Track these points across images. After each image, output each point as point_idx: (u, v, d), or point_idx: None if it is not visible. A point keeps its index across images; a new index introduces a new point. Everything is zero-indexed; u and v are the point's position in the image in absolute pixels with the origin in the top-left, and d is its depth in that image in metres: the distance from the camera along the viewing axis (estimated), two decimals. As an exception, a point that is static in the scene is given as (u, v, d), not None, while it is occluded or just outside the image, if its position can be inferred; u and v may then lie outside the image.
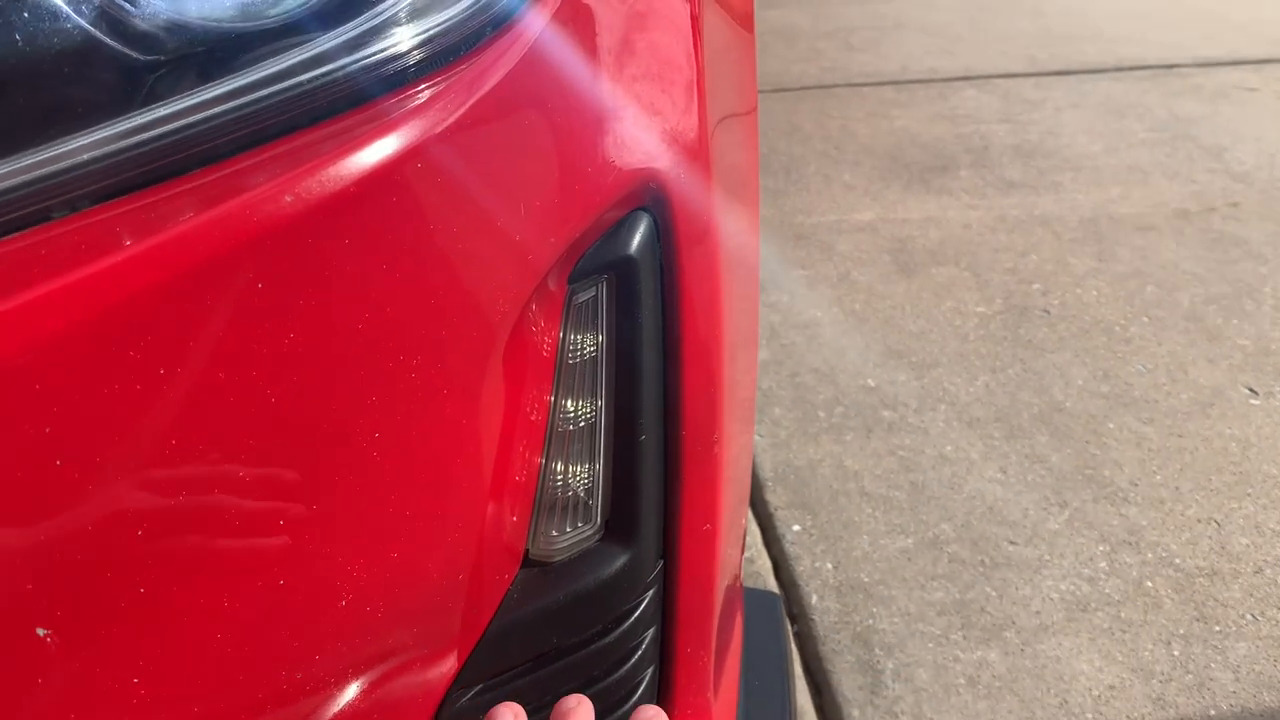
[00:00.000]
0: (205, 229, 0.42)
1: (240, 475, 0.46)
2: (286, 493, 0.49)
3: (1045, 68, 3.51)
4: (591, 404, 0.62)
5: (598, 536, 0.65)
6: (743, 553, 1.04)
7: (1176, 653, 1.36)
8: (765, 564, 1.53)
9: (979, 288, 2.18)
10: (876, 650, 1.37)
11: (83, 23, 0.43)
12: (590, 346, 0.61)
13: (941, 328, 2.05)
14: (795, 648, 1.40)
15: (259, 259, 0.44)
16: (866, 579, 1.48)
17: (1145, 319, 2.06)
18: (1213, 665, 1.34)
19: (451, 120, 0.49)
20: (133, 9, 0.44)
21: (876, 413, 1.81)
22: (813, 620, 1.41)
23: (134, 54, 0.45)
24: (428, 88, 0.49)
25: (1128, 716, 1.28)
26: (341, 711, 0.55)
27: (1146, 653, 1.36)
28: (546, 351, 0.60)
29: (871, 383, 1.89)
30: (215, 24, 0.46)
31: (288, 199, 0.44)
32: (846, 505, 1.61)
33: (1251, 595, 1.44)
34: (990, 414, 1.80)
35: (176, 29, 0.45)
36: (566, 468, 0.63)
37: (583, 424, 0.62)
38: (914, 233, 2.42)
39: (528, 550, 0.63)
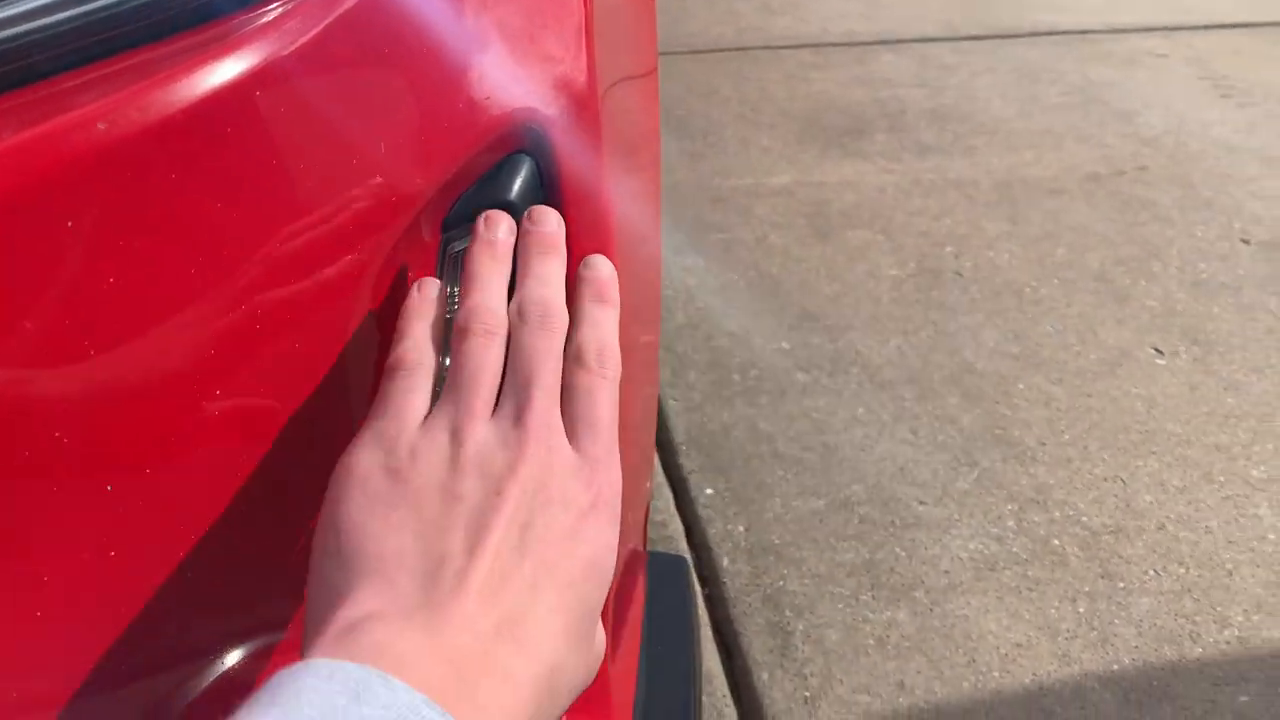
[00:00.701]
0: (20, 152, 0.38)
1: (43, 435, 0.42)
2: (102, 456, 0.44)
3: (962, 32, 3.52)
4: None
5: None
6: (647, 516, 1.01)
7: (1082, 610, 1.38)
8: (678, 528, 1.52)
9: (893, 251, 2.18)
10: (787, 612, 1.36)
11: None
12: (467, 300, 0.57)
13: (856, 291, 2.05)
14: (706, 612, 1.38)
15: (78, 185, 0.39)
16: (778, 541, 1.47)
17: (1055, 281, 2.08)
18: (1116, 621, 1.36)
19: (302, 43, 0.44)
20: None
21: (791, 376, 1.80)
22: (724, 583, 1.40)
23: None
24: (278, 6, 0.44)
25: (1033, 673, 1.29)
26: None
27: (1053, 610, 1.38)
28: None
29: (786, 346, 1.88)
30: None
31: (116, 121, 0.40)
32: (759, 468, 1.60)
33: (1154, 551, 1.47)
34: (902, 376, 1.81)
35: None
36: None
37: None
38: (830, 196, 2.41)
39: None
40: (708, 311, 1.98)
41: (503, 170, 0.56)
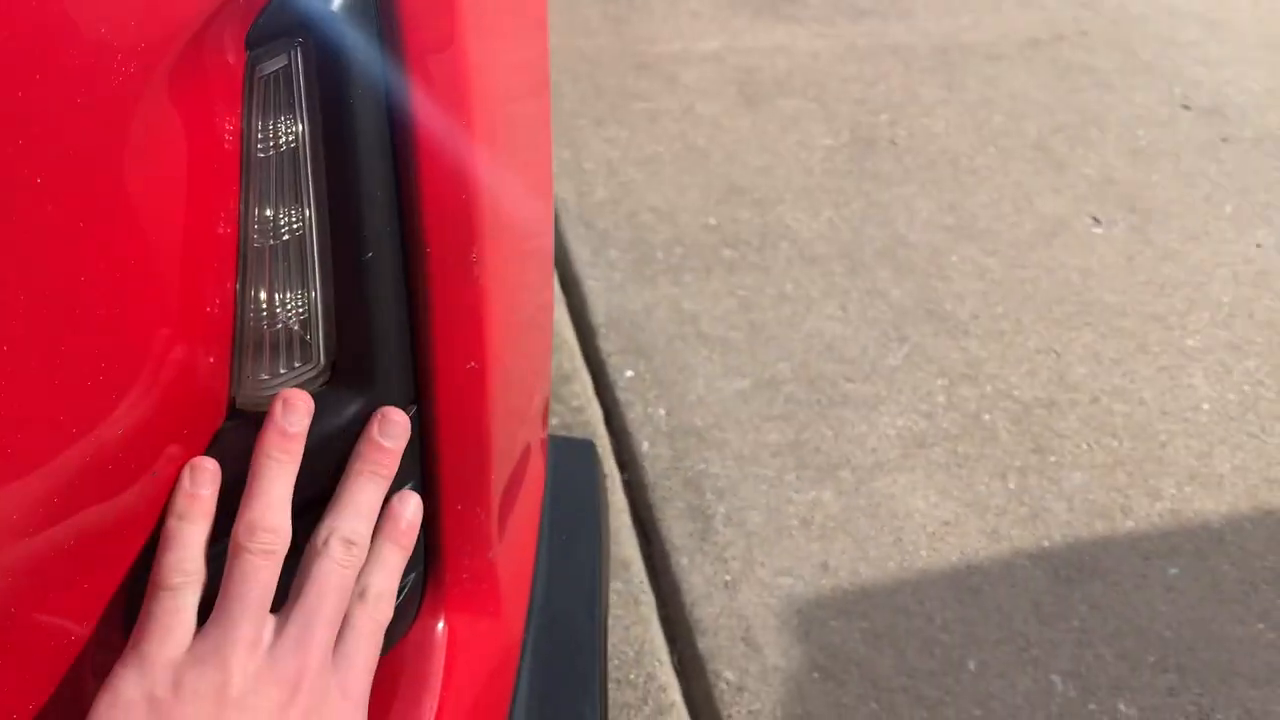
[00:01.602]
0: None
1: None
2: None
3: (901, -107, 3.36)
4: (296, 212, 0.49)
5: (323, 379, 0.53)
6: (547, 405, 0.93)
7: (1012, 485, 1.33)
8: (596, 412, 1.44)
9: (826, 120, 2.08)
10: (708, 495, 1.29)
11: None
12: (288, 135, 0.47)
13: (787, 162, 1.95)
14: (626, 498, 1.32)
15: None
16: (700, 423, 1.40)
17: (992, 149, 2.00)
18: (1048, 496, 1.32)
19: None
20: None
21: (717, 252, 1.71)
22: (643, 468, 1.33)
23: None
24: None
25: (961, 551, 1.25)
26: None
27: (982, 487, 1.33)
28: (229, 142, 0.45)
29: (713, 221, 1.79)
30: None
31: None
32: (682, 349, 1.52)
33: (1087, 425, 1.42)
34: (833, 250, 1.73)
35: None
36: (271, 294, 0.49)
37: (286, 237, 0.49)
38: (761, 63, 2.29)
39: (233, 398, 0.50)
40: (630, 186, 1.87)
41: (321, -31, 0.45)
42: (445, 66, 0.50)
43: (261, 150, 0.47)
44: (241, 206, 0.47)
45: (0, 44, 0.34)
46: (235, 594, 0.46)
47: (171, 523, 0.46)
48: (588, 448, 0.98)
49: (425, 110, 0.50)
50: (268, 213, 0.48)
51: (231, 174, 0.46)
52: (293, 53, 0.46)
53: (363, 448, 0.51)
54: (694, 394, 1.44)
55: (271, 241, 0.49)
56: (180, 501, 0.47)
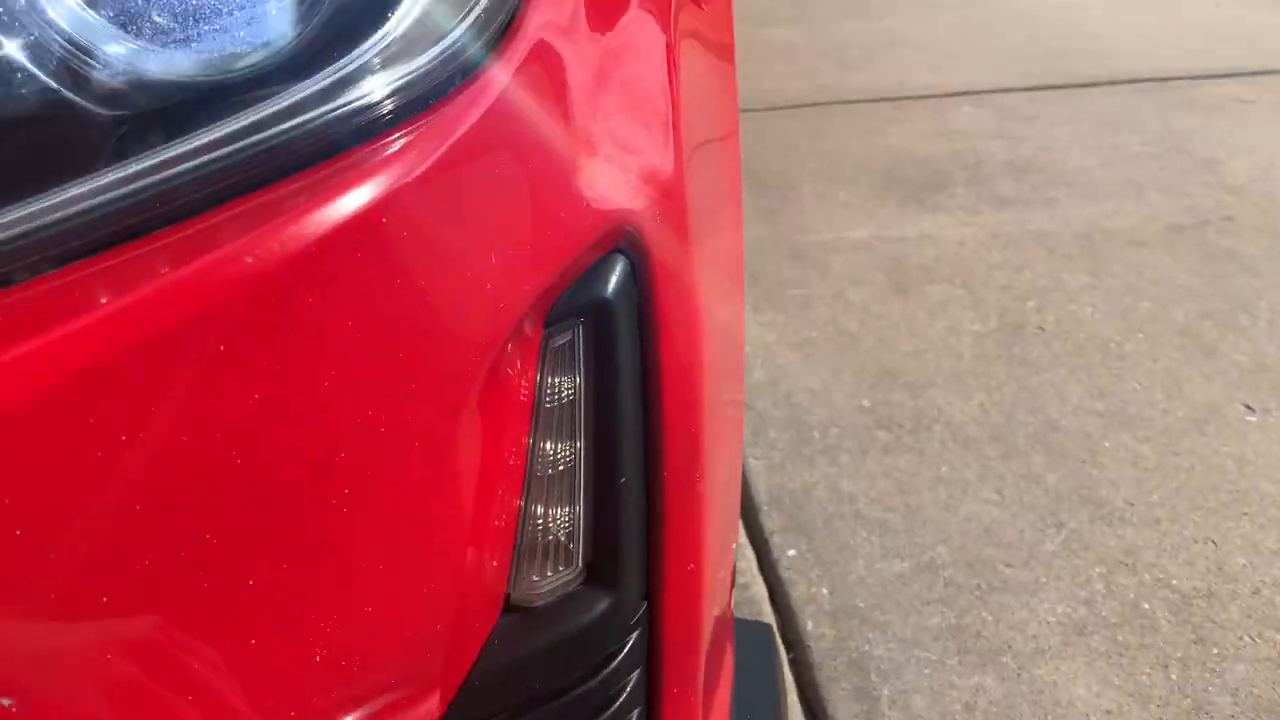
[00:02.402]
0: (176, 287, 0.42)
1: (213, 533, 0.46)
2: (259, 547, 0.48)
3: (1039, 82, 3.51)
4: (571, 447, 0.62)
5: (580, 580, 0.65)
6: (733, 581, 1.03)
7: (1174, 676, 1.35)
8: (760, 590, 1.53)
9: (974, 305, 2.18)
10: (872, 677, 1.36)
11: (47, 80, 0.43)
12: (568, 390, 0.61)
13: (937, 346, 2.05)
14: (791, 676, 1.39)
15: (229, 315, 0.44)
16: (862, 604, 1.47)
17: (1140, 335, 2.06)
18: (1210, 689, 1.33)
19: (421, 170, 0.48)
20: (96, 65, 0.44)
21: (872, 434, 1.81)
22: (808, 647, 1.41)
23: (100, 110, 0.45)
24: (398, 137, 0.48)
25: (1126, 742, 1.27)
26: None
27: (1144, 676, 1.35)
28: (524, 395, 0.59)
29: (867, 403, 1.89)
30: (180, 79, 0.45)
31: (259, 255, 0.44)
32: (842, 529, 1.60)
33: (1249, 616, 1.44)
34: (986, 433, 1.80)
35: (141, 85, 0.44)
36: (546, 511, 0.62)
37: (562, 467, 0.62)
38: (909, 250, 2.42)
39: (509, 596, 0.62)
40: (786, 368, 2.00)
41: (599, 269, 0.60)
42: (684, 339, 0.64)
43: (549, 402, 0.61)
44: (530, 443, 0.60)
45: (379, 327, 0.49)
46: None
47: None
48: (765, 631, 1.08)
49: (670, 371, 0.63)
50: (548, 447, 0.61)
51: (525, 419, 0.60)
52: (577, 329, 0.60)
53: None
54: (855, 574, 1.52)
55: (550, 470, 0.62)
56: None
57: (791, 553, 1.56)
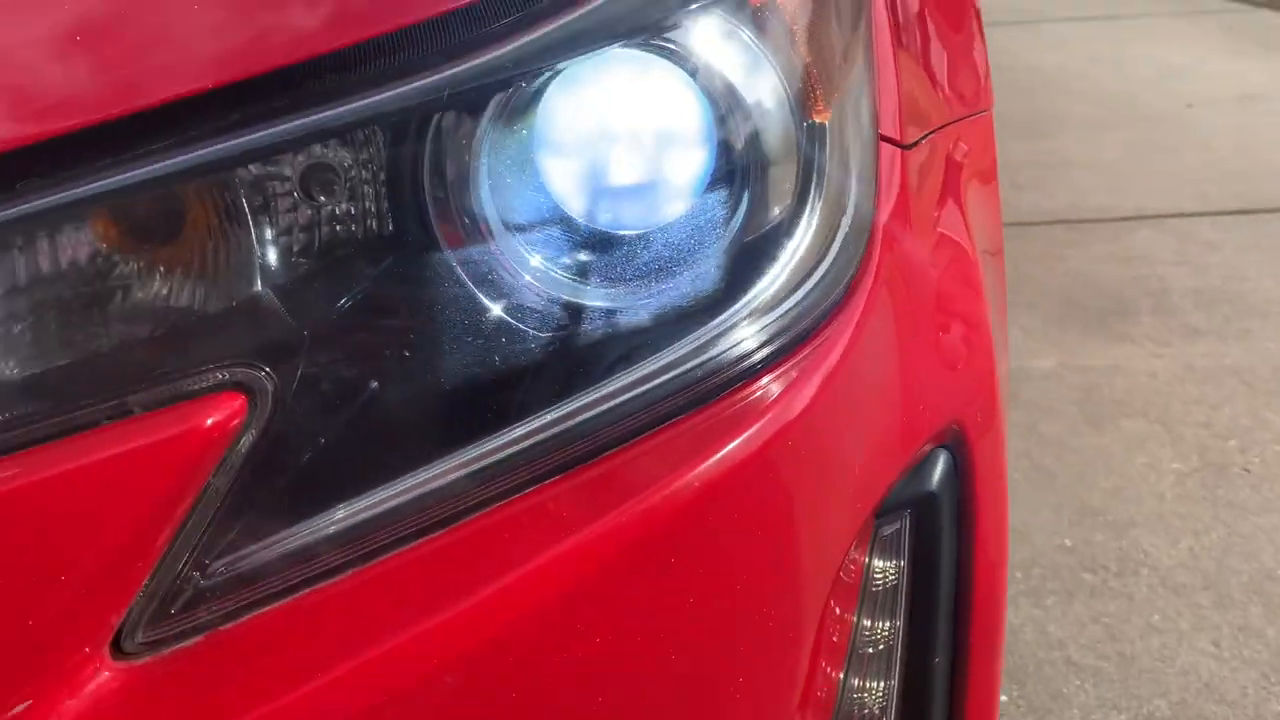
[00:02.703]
0: (635, 508, 0.49)
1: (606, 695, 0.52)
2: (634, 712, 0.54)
3: (1221, 206, 3.46)
4: (890, 626, 0.66)
5: (889, 750, 0.69)
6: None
7: None
8: (971, 733, 1.51)
9: (1172, 443, 2.14)
10: (1098, 836, 1.33)
11: (526, 328, 0.51)
12: (892, 574, 0.66)
13: (1136, 484, 2.02)
14: (1010, 827, 1.37)
15: (658, 531, 0.51)
16: (1081, 756, 1.45)
17: (1357, 480, 1.99)
18: None
19: (802, 405, 0.54)
20: (560, 314, 0.52)
21: (1076, 575, 1.79)
22: (1028, 799, 1.39)
23: (556, 348, 0.53)
24: (773, 380, 0.54)
25: None
26: None
27: None
28: (851, 578, 0.64)
29: (1069, 543, 1.87)
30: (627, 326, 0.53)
31: (673, 491, 0.51)
32: (1053, 675, 1.58)
33: None
34: (1197, 580, 1.76)
35: (596, 328, 0.52)
36: (864, 685, 0.67)
37: (881, 646, 0.67)
38: (1098, 381, 2.40)
39: (827, 763, 0.67)
40: (980, 502, 1.99)
41: (925, 464, 0.65)
42: (995, 526, 0.68)
43: (875, 585, 0.66)
44: (854, 621, 0.65)
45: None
46: None
47: None
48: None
49: (982, 558, 0.68)
50: (869, 625, 0.66)
51: (853, 601, 0.65)
52: (904, 519, 0.65)
53: None
54: (1069, 724, 1.50)
55: (870, 649, 0.67)
56: None
57: (1004, 698, 1.55)
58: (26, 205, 0.42)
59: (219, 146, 0.44)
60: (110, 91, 0.44)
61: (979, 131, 0.87)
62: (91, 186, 0.41)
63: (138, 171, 0.43)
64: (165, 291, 0.50)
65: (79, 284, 0.48)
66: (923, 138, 0.72)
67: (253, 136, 0.45)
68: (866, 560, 0.64)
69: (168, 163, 0.43)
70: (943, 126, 0.77)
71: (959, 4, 0.96)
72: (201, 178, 0.44)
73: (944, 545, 0.66)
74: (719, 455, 0.52)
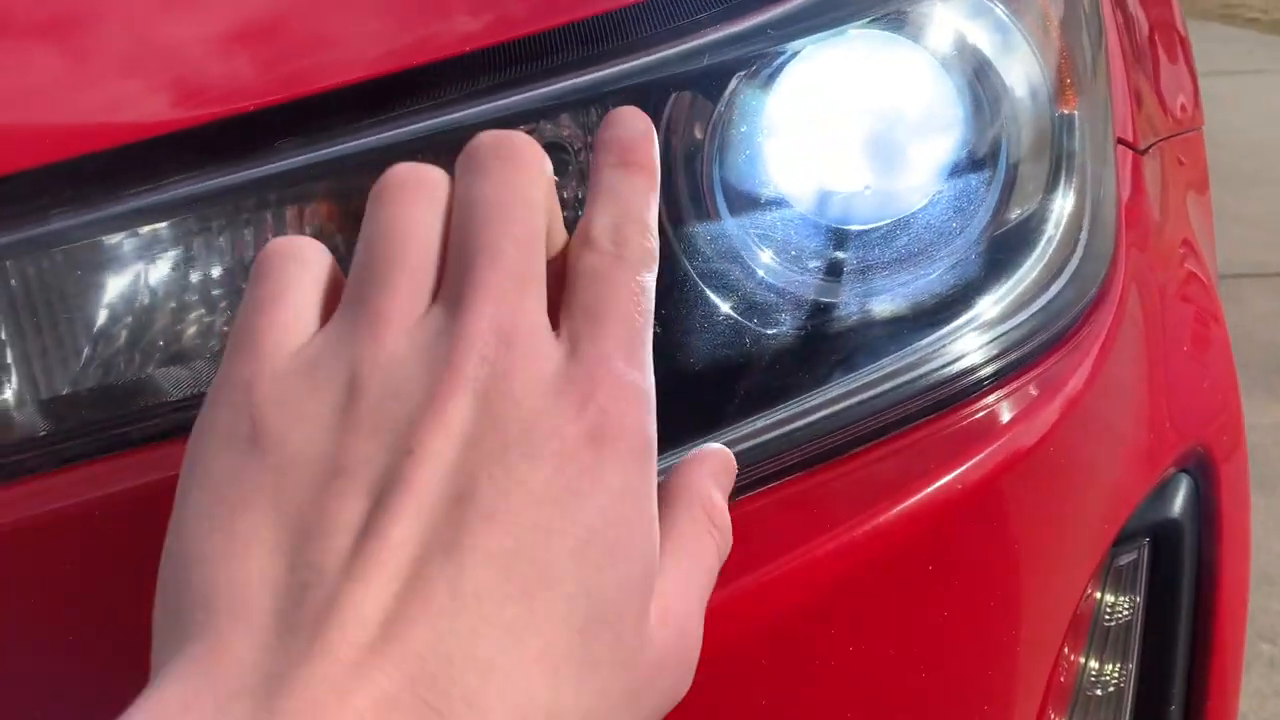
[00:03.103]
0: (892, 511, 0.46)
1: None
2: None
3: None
4: (1122, 669, 0.61)
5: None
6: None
7: None
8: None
9: (1353, 509, 1.99)
10: None
11: (757, 328, 0.49)
12: (1125, 610, 0.60)
13: (1314, 551, 1.88)
14: None
15: (901, 540, 0.47)
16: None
17: None
18: None
19: (1043, 432, 0.50)
20: (793, 309, 0.49)
21: (1254, 646, 1.66)
22: None
23: (792, 346, 0.49)
24: (1002, 401, 0.50)
25: None
26: None
27: None
28: (1082, 612, 0.59)
29: (1241, 609, 1.74)
30: (871, 317, 0.49)
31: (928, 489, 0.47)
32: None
33: None
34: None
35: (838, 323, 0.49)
36: (1090, 732, 0.61)
37: (1111, 689, 0.61)
38: (1264, 440, 2.25)
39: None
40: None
41: (1164, 490, 0.60)
42: (1237, 558, 0.62)
43: (1108, 621, 0.60)
44: (1082, 661, 0.60)
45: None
46: (368, 251, 0.31)
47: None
48: None
49: (1224, 594, 0.62)
50: (1098, 666, 0.61)
51: (1081, 637, 0.59)
52: (1142, 549, 0.59)
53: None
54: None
55: (1098, 691, 0.61)
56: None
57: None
58: (273, 165, 0.41)
59: (459, 113, 0.42)
60: (354, 57, 0.43)
61: (1195, 146, 0.82)
62: (348, 145, 0.40)
63: (388, 133, 0.41)
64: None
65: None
66: (1152, 145, 0.67)
67: (494, 104, 0.43)
68: (1098, 594, 0.59)
69: (415, 126, 0.42)
70: (1168, 137, 0.73)
71: (1174, 34, 0.93)
72: (446, 142, 0.43)
73: (1185, 578, 0.60)
74: (953, 474, 0.48)
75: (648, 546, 0.29)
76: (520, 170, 0.31)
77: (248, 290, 0.31)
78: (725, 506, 0.34)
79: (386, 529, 0.26)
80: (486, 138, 0.32)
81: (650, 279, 0.32)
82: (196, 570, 0.27)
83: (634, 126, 0.35)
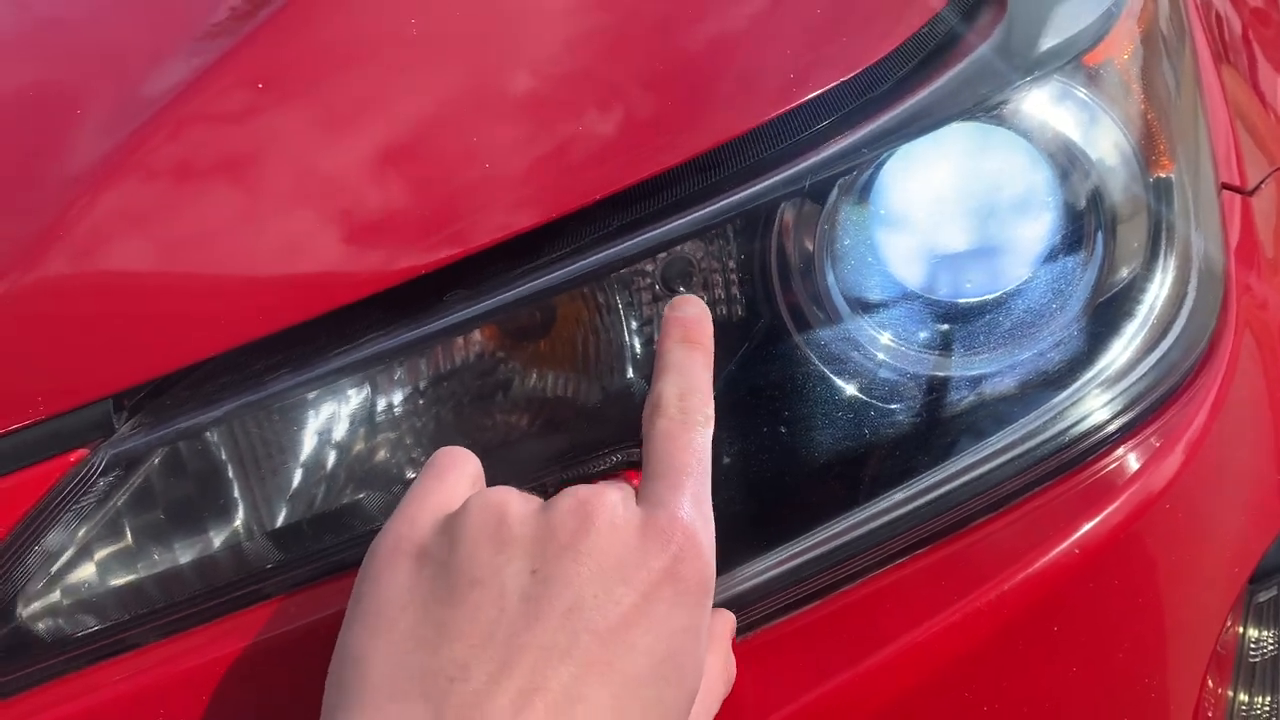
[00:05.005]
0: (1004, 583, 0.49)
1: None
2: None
3: None
4: (1270, 701, 0.62)
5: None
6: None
7: None
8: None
9: None
10: None
11: (880, 404, 0.53)
12: (1271, 645, 0.62)
13: None
14: None
15: (1030, 603, 0.50)
16: None
17: None
18: None
19: (1174, 468, 0.52)
20: (910, 384, 0.53)
21: None
22: None
23: (906, 420, 0.53)
24: (1129, 451, 0.53)
25: None
26: None
27: None
28: (1226, 650, 0.61)
29: None
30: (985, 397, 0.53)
31: (1040, 568, 0.50)
32: None
33: None
34: None
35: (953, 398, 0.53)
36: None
37: (1263, 720, 0.62)
38: None
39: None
40: None
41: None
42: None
43: (1253, 656, 0.61)
44: (1230, 695, 0.61)
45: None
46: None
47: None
48: None
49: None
50: (1244, 699, 0.62)
51: (1227, 673, 0.61)
52: (1280, 586, 0.60)
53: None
54: None
55: (1250, 726, 0.62)
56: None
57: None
58: (449, 319, 0.47)
59: (604, 254, 0.48)
60: (508, 214, 0.49)
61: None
62: (500, 298, 0.46)
63: (538, 282, 0.47)
64: (541, 384, 0.55)
65: (472, 381, 0.53)
66: (1264, 180, 0.68)
67: (632, 242, 0.49)
68: (1241, 630, 0.61)
69: (564, 272, 0.48)
70: (1283, 166, 0.73)
71: (1275, 25, 0.91)
72: (588, 282, 0.49)
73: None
74: (1082, 530, 0.51)
75: (698, 672, 0.37)
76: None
77: (421, 473, 0.42)
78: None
79: (515, 636, 0.34)
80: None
81: (709, 436, 0.41)
82: (366, 656, 0.35)
83: (693, 311, 0.46)
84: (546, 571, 0.35)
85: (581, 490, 0.39)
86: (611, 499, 0.38)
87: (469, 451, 0.43)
